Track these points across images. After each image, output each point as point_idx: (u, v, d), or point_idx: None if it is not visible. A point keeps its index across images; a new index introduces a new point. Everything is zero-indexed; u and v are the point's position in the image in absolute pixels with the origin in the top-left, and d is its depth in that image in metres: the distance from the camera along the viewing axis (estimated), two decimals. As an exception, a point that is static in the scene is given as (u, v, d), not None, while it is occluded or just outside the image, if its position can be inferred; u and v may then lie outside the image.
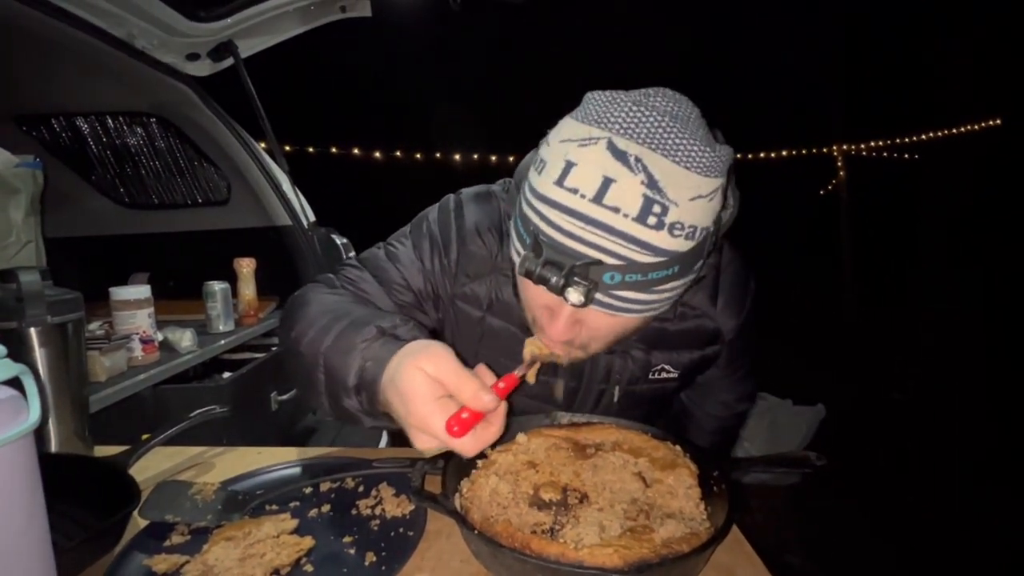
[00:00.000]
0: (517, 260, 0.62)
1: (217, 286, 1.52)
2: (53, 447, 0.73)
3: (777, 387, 2.96)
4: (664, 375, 0.80)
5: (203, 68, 1.73)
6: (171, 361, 1.26)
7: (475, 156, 7.76)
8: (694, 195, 0.53)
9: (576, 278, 0.53)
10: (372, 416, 0.59)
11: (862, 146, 7.72)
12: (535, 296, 0.62)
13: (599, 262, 0.53)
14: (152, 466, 0.75)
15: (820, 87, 6.38)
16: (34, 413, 0.38)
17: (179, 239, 2.04)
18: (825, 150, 7.32)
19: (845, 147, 6.60)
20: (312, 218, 2.01)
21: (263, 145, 1.99)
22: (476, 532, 0.50)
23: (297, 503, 0.64)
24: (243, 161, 1.87)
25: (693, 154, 0.53)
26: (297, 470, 0.71)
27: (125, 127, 1.91)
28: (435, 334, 0.84)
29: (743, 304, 0.82)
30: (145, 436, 0.75)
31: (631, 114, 0.54)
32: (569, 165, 0.54)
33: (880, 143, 7.93)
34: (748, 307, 0.83)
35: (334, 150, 7.64)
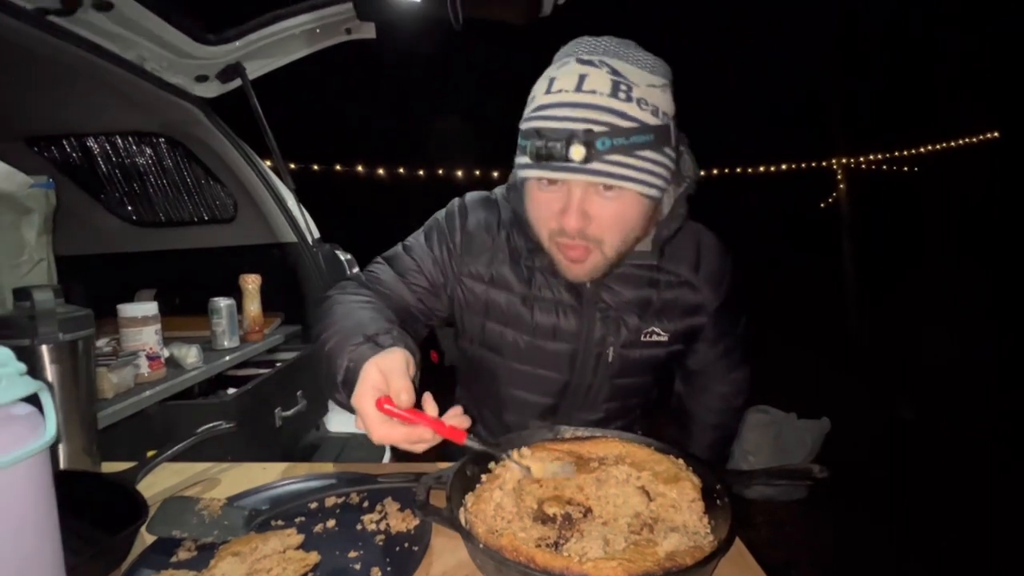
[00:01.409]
0: (524, 172, 0.73)
1: (222, 302, 1.54)
2: (62, 463, 0.74)
3: (781, 400, 2.94)
4: (655, 338, 0.88)
5: (211, 89, 1.77)
6: (177, 378, 1.27)
7: (477, 172, 7.84)
8: (648, 83, 0.69)
9: (575, 140, 0.66)
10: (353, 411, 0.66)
11: (861, 159, 7.77)
12: (545, 204, 0.74)
13: (590, 130, 0.66)
14: (159, 482, 0.76)
15: (819, 101, 6.44)
16: (51, 429, 0.39)
17: (186, 256, 2.06)
18: (825, 164, 7.37)
19: (845, 160, 6.64)
20: (316, 234, 2.03)
21: (269, 163, 2.02)
22: (481, 546, 0.50)
23: (303, 518, 0.64)
24: (249, 179, 1.89)
25: (639, 59, 0.71)
26: (302, 485, 0.72)
27: (134, 146, 1.94)
28: (448, 324, 0.96)
29: (722, 276, 0.91)
30: (151, 452, 0.75)
31: (590, 42, 0.72)
32: (551, 79, 0.70)
33: (880, 156, 7.99)
34: (729, 282, 0.92)
35: (338, 167, 7.73)
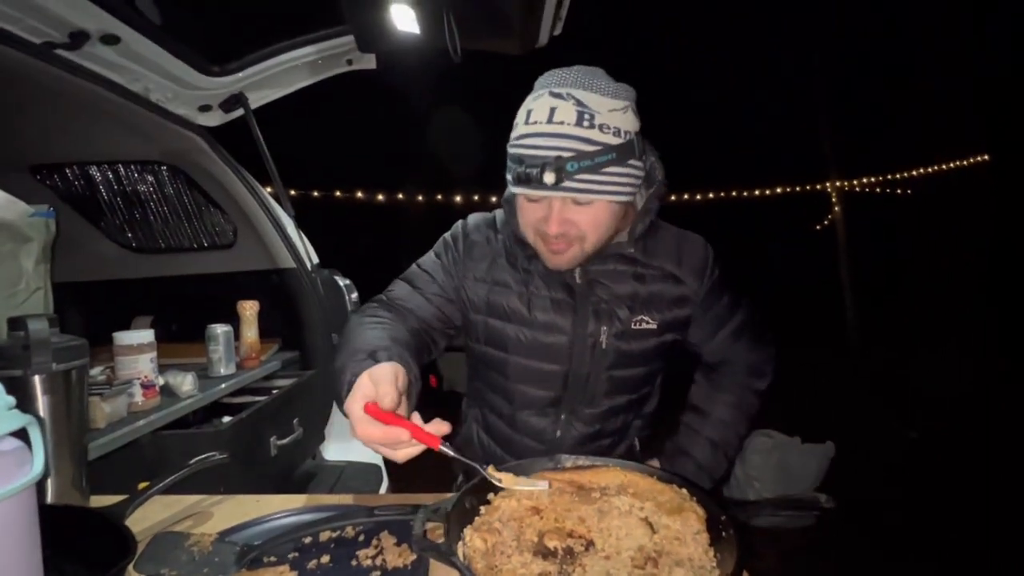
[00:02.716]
0: (511, 189, 0.87)
1: (219, 329, 1.53)
2: (50, 497, 0.72)
3: (784, 424, 2.91)
4: (644, 326, 0.95)
5: (214, 118, 1.80)
6: (171, 406, 1.25)
7: (475, 197, 7.92)
8: (609, 108, 0.80)
9: (548, 168, 0.78)
10: None
11: (855, 182, 7.87)
12: (531, 213, 0.86)
13: (559, 157, 0.78)
14: (149, 516, 0.74)
15: (813, 125, 6.56)
16: (38, 465, 0.38)
17: (184, 282, 2.06)
18: (819, 187, 7.46)
19: (839, 183, 6.72)
20: (316, 260, 2.04)
21: (269, 189, 2.04)
22: (480, 583, 0.49)
23: (296, 554, 0.63)
24: (249, 206, 1.91)
25: (602, 88, 0.81)
26: (296, 519, 0.70)
27: (136, 174, 1.96)
28: (454, 348, 1.04)
29: (704, 266, 0.98)
30: (142, 485, 0.74)
31: (560, 75, 0.83)
32: (529, 111, 0.82)
33: (874, 179, 8.09)
34: (712, 271, 0.99)
35: (338, 193, 7.81)
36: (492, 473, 0.65)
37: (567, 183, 0.79)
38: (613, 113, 0.80)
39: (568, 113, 0.78)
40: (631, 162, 0.82)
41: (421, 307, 0.96)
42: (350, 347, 0.78)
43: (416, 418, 0.66)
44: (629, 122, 0.82)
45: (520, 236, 0.93)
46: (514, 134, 0.84)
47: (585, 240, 0.85)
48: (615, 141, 0.80)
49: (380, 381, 0.65)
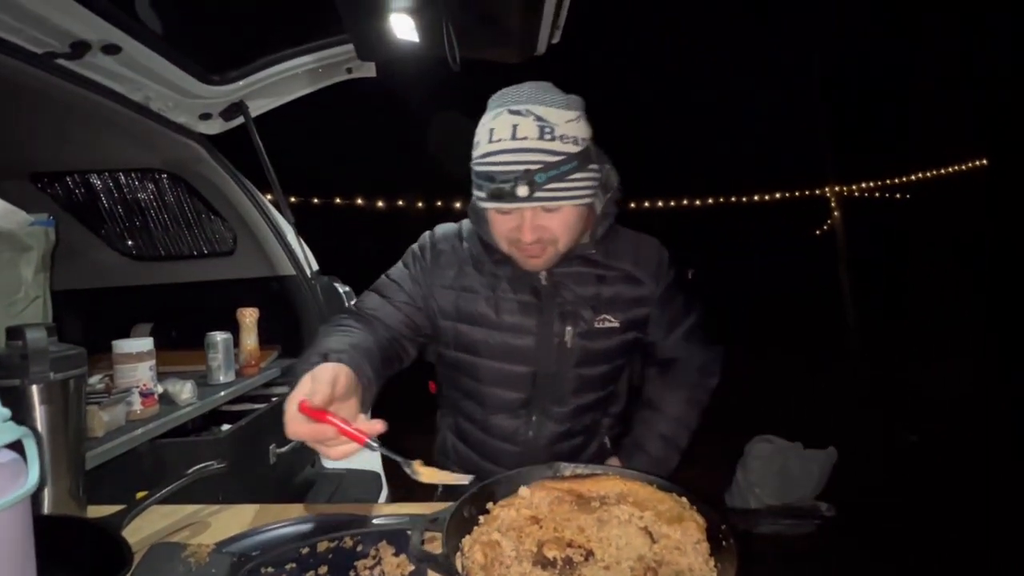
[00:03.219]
0: (483, 204, 0.91)
1: (219, 336, 1.53)
2: (46, 508, 0.71)
3: (785, 430, 2.90)
4: (607, 324, 0.99)
5: (214, 127, 1.81)
6: (170, 414, 1.25)
7: (476, 203, 7.91)
8: (566, 120, 0.85)
9: (520, 181, 0.83)
10: None
11: (854, 187, 7.88)
12: (503, 223, 0.90)
13: (528, 170, 0.83)
14: (146, 526, 0.73)
15: (811, 131, 6.58)
16: (32, 477, 0.38)
17: (184, 290, 2.06)
18: (818, 192, 7.46)
19: (838, 189, 6.73)
20: (315, 267, 2.04)
21: (269, 196, 2.04)
22: (478, 595, 0.48)
23: (293, 564, 0.62)
24: (249, 213, 1.91)
25: (556, 101, 0.86)
26: (294, 529, 0.70)
27: (137, 182, 1.96)
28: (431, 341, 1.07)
29: (660, 267, 1.03)
30: (140, 494, 0.73)
31: (515, 92, 0.88)
32: (491, 129, 0.86)
33: (872, 184, 8.10)
34: (667, 272, 1.04)
35: (338, 200, 7.82)
36: (416, 469, 0.67)
37: (538, 193, 0.84)
38: (570, 124, 0.86)
39: (530, 128, 0.83)
40: (590, 166, 0.89)
41: (390, 316, 0.99)
42: (309, 352, 0.82)
43: (362, 419, 0.68)
44: (583, 130, 0.88)
45: (489, 243, 0.97)
46: (478, 152, 0.88)
47: (558, 242, 0.90)
48: (575, 149, 0.86)
49: (317, 380, 0.67)
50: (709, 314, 1.12)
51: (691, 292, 1.09)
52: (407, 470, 0.67)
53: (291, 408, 0.66)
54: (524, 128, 0.83)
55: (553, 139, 0.84)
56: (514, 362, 0.99)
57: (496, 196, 0.85)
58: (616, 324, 0.99)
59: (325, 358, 0.75)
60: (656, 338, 1.06)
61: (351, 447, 0.66)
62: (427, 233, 1.08)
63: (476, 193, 0.91)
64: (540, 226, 0.88)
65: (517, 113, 0.85)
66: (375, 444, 0.65)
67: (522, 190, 0.83)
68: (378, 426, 0.67)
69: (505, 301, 0.98)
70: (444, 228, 1.08)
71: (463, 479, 0.68)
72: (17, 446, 0.41)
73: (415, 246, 1.07)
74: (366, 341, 0.88)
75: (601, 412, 1.09)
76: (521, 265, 0.94)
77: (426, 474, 0.67)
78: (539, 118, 0.84)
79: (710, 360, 1.12)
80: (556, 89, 0.89)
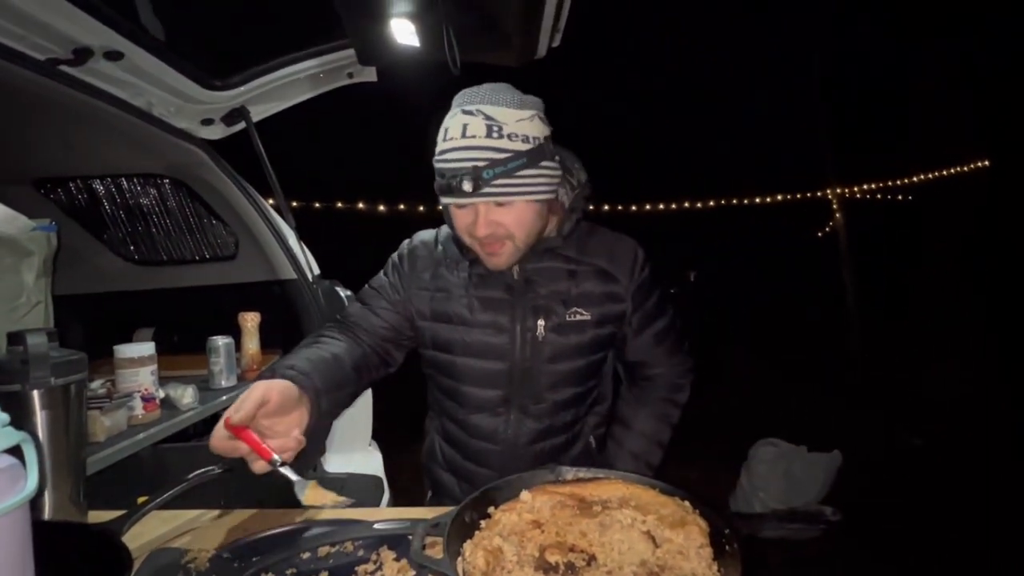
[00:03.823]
0: (441, 200, 0.93)
1: (220, 341, 1.53)
2: (46, 514, 0.71)
3: (789, 433, 2.88)
4: (579, 317, 1.00)
5: (216, 132, 1.81)
6: (171, 419, 1.25)
7: (477, 206, 7.91)
8: (516, 119, 0.88)
9: (466, 177, 0.86)
10: None
11: (855, 189, 7.87)
12: (460, 219, 0.93)
13: (475, 167, 0.86)
14: (147, 531, 0.73)
15: (813, 132, 6.58)
16: (31, 482, 0.37)
17: (186, 294, 2.07)
18: (820, 194, 7.45)
19: (839, 190, 6.72)
20: (317, 271, 2.04)
21: (271, 201, 2.05)
22: (479, 600, 0.48)
23: (294, 570, 0.62)
24: (251, 218, 1.92)
25: (508, 100, 0.89)
26: (295, 534, 0.69)
27: (139, 187, 1.97)
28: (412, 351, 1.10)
29: (634, 264, 1.04)
30: (141, 499, 0.73)
31: (471, 93, 0.91)
32: (445, 128, 0.90)
33: (874, 186, 8.09)
34: (642, 270, 1.04)
35: (339, 204, 7.84)
36: (307, 492, 0.71)
37: (485, 189, 0.86)
38: (520, 123, 0.88)
39: (479, 127, 0.87)
40: (544, 163, 0.90)
41: (371, 323, 1.04)
42: (271, 364, 0.88)
43: (295, 434, 0.73)
44: (537, 129, 0.90)
45: (463, 245, 1.00)
46: (436, 151, 0.91)
47: (514, 238, 0.92)
48: (524, 147, 0.88)
49: (244, 398, 0.71)
50: (683, 322, 1.13)
51: (666, 296, 1.10)
52: (298, 492, 0.70)
53: (219, 424, 0.71)
54: (473, 127, 0.87)
55: (501, 137, 0.86)
56: (489, 359, 1.00)
57: (446, 191, 0.89)
58: (588, 317, 1.00)
59: (273, 373, 0.81)
60: (627, 334, 1.07)
61: (257, 459, 0.70)
62: (406, 241, 1.12)
63: (437, 190, 0.95)
64: (493, 221, 0.90)
65: (469, 113, 0.88)
66: (278, 460, 0.69)
67: (468, 185, 0.85)
68: (290, 443, 0.72)
69: (479, 299, 1.00)
70: (422, 234, 1.12)
71: (346, 502, 0.72)
72: (16, 451, 0.41)
73: (395, 254, 1.11)
74: (336, 353, 0.93)
75: (583, 410, 1.09)
76: (487, 264, 0.96)
77: (310, 496, 0.70)
78: (488, 117, 0.87)
79: (679, 373, 1.12)
80: (513, 90, 0.92)
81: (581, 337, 1.01)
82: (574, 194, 1.02)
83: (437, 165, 0.91)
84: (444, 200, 0.93)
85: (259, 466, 0.70)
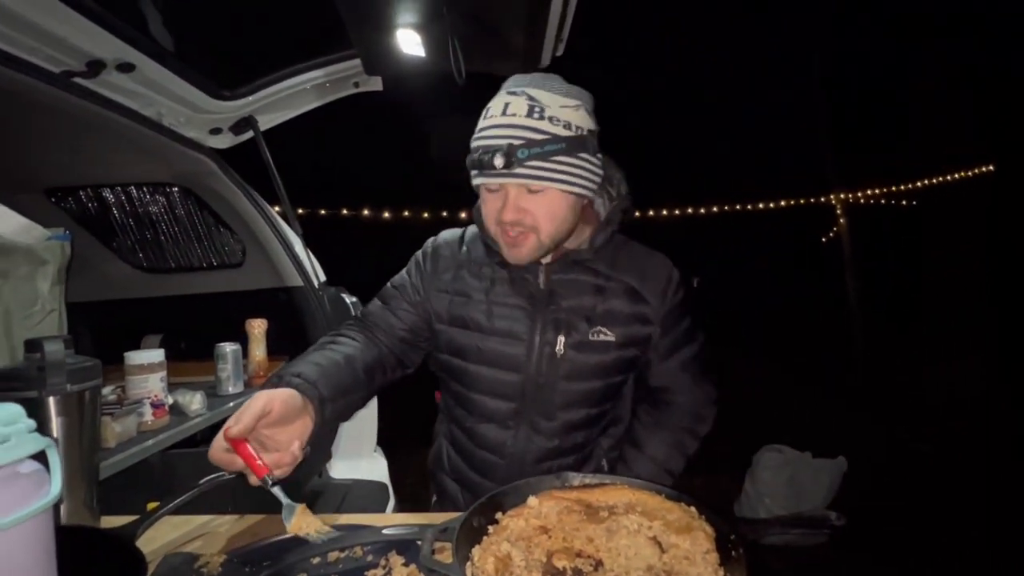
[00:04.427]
0: (473, 180, 0.91)
1: (228, 348, 1.54)
2: (62, 518, 0.72)
3: (794, 439, 2.87)
4: (602, 337, 0.95)
5: (224, 141, 1.84)
6: (180, 425, 1.26)
7: (481, 213, 7.94)
8: (560, 104, 0.85)
9: (499, 153, 0.82)
10: None
11: (859, 194, 7.86)
12: (490, 203, 0.90)
13: (510, 145, 0.82)
14: (159, 536, 0.74)
15: (817, 138, 6.59)
16: (55, 487, 0.39)
17: (193, 301, 2.09)
18: (824, 199, 7.45)
19: (844, 195, 6.72)
20: (323, 278, 2.06)
21: (277, 208, 2.07)
22: (488, 604, 0.48)
23: (304, 574, 0.63)
24: (258, 225, 1.94)
25: (555, 88, 0.87)
26: (304, 539, 0.70)
27: (148, 196, 2.00)
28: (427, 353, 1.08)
29: (667, 286, 0.99)
30: (151, 505, 0.74)
31: (519, 78, 0.89)
32: (488, 109, 0.88)
33: (878, 191, 8.09)
34: (675, 293, 1.00)
35: (345, 211, 7.89)
36: (295, 517, 0.68)
37: (518, 169, 0.83)
38: (564, 109, 0.85)
39: (520, 107, 0.84)
40: (583, 155, 0.87)
41: (390, 323, 1.01)
42: (279, 369, 0.86)
43: (296, 446, 0.72)
44: (581, 119, 0.87)
45: (487, 234, 0.96)
46: (476, 129, 0.89)
47: (540, 231, 0.88)
48: (564, 133, 0.84)
49: (245, 409, 0.70)
50: (706, 348, 1.06)
51: (697, 322, 1.04)
52: (285, 516, 0.69)
53: (219, 434, 0.70)
54: (514, 106, 0.85)
55: (541, 119, 0.84)
56: (503, 369, 0.96)
57: (477, 166, 0.86)
58: (612, 338, 0.95)
59: (280, 380, 0.80)
60: (652, 359, 1.01)
61: (250, 473, 0.69)
62: (430, 239, 1.09)
63: (471, 171, 0.91)
64: (521, 208, 0.86)
65: (513, 94, 0.86)
66: (270, 480, 0.68)
67: (499, 160, 0.82)
68: (287, 457, 0.70)
69: (498, 306, 0.96)
70: (447, 233, 1.09)
71: (331, 534, 0.69)
72: (39, 457, 0.42)
73: (418, 252, 1.08)
74: (349, 354, 0.91)
75: (596, 432, 1.04)
76: (506, 256, 0.92)
77: (296, 524, 0.68)
78: (531, 98, 0.85)
79: (703, 403, 1.06)
80: (563, 80, 0.90)
81: (603, 358, 0.96)
82: (612, 205, 0.97)
83: (473, 143, 0.88)
84: (475, 180, 0.90)
85: (253, 480, 0.69)
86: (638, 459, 1.04)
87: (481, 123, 0.88)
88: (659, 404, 1.07)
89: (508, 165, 0.82)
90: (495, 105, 0.87)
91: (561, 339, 0.94)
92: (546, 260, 0.96)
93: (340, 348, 0.93)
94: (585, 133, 0.87)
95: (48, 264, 0.99)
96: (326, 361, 0.87)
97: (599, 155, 0.90)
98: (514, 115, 0.84)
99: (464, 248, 1.03)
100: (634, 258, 1.00)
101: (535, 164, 0.83)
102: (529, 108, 0.84)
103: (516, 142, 0.83)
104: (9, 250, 0.93)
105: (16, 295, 0.94)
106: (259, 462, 0.68)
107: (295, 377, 0.80)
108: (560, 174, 0.85)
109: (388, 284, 1.07)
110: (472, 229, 1.05)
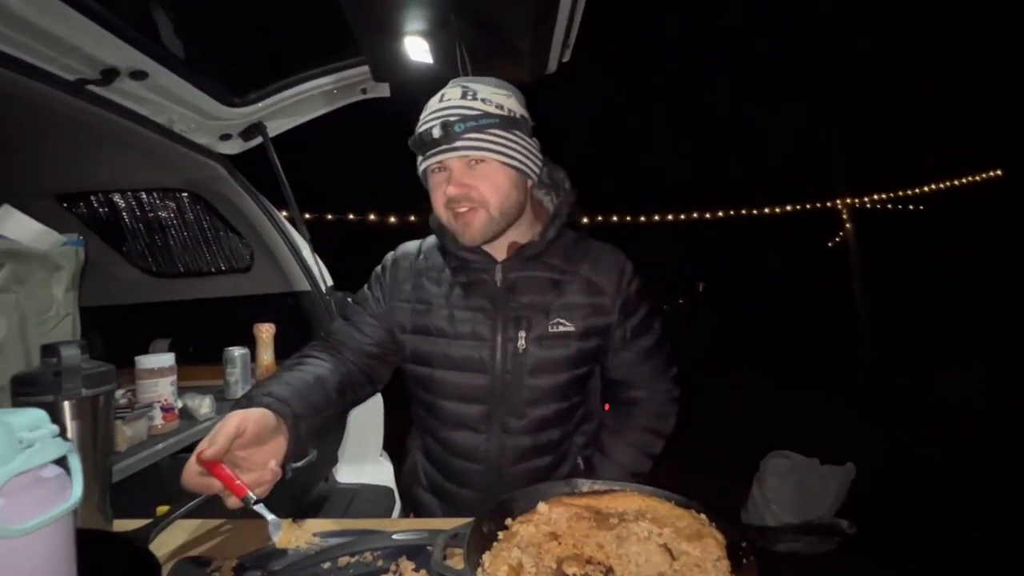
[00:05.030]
0: (419, 165, 0.96)
1: (236, 352, 1.55)
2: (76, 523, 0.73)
3: (801, 445, 2.85)
4: (562, 328, 0.97)
5: (233, 147, 1.86)
6: (189, 429, 1.27)
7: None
8: (492, 90, 0.92)
9: (435, 126, 0.88)
10: None
11: (866, 199, 7.83)
12: (436, 184, 0.94)
13: (446, 121, 0.88)
14: (170, 540, 0.75)
15: (823, 142, 6.57)
16: (77, 490, 0.39)
17: (202, 305, 2.10)
18: (830, 204, 7.43)
19: (850, 200, 6.70)
20: (330, 283, 2.07)
21: (285, 213, 2.08)
22: (500, 611, 0.49)
23: (316, 579, 0.63)
24: (266, 230, 1.95)
25: (488, 80, 0.94)
26: (316, 544, 0.70)
27: (158, 201, 2.02)
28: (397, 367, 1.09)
29: (621, 275, 1.01)
30: (161, 509, 0.75)
31: (460, 78, 0.96)
32: (427, 105, 0.94)
33: (885, 196, 8.05)
34: (629, 281, 1.02)
35: (351, 216, 7.93)
36: (282, 532, 0.70)
37: (456, 143, 0.88)
38: (496, 94, 0.92)
39: (454, 92, 0.91)
40: (516, 132, 0.92)
41: (355, 340, 1.02)
42: (249, 390, 0.86)
43: (272, 465, 0.72)
44: (513, 105, 0.93)
45: (448, 250, 1.00)
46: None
47: (488, 204, 0.91)
48: (497, 111, 0.90)
49: (219, 431, 0.70)
50: (667, 340, 1.07)
51: (654, 313, 1.06)
52: (272, 532, 0.69)
53: (191, 458, 0.69)
54: (449, 94, 0.92)
55: (474, 99, 0.90)
56: (470, 372, 0.97)
57: (417, 146, 0.91)
58: (572, 328, 0.97)
59: (250, 401, 0.79)
60: (611, 348, 1.02)
61: (229, 495, 0.68)
62: (390, 253, 1.11)
63: (411, 147, 0.96)
64: (465, 183, 0.90)
65: (448, 88, 0.94)
66: (251, 498, 0.68)
67: (437, 132, 0.87)
68: (266, 475, 0.70)
69: (460, 310, 0.97)
70: (404, 246, 1.11)
71: (322, 544, 0.70)
72: (60, 461, 0.42)
73: (377, 267, 1.10)
74: (319, 374, 0.91)
75: (569, 428, 1.04)
76: (460, 239, 0.95)
77: (284, 538, 0.69)
78: (464, 86, 0.92)
79: (663, 400, 1.07)
80: (501, 81, 0.97)
81: (565, 350, 0.97)
82: (559, 200, 1.02)
83: (415, 132, 0.93)
84: (420, 166, 0.95)
85: (232, 502, 0.68)
86: (604, 464, 1.04)
87: (422, 116, 0.93)
88: (620, 404, 1.09)
89: (446, 138, 0.87)
90: (433, 98, 0.94)
91: (522, 334, 0.96)
92: (501, 258, 0.99)
93: (309, 368, 0.93)
94: (518, 116, 0.93)
95: (63, 270, 1.00)
96: (296, 380, 0.87)
97: (535, 140, 0.96)
98: (449, 100, 0.90)
99: (421, 256, 1.06)
100: (588, 252, 1.03)
101: (472, 136, 0.88)
102: (463, 92, 0.91)
103: (452, 118, 0.88)
104: (26, 256, 0.95)
105: (32, 301, 0.95)
106: (238, 482, 0.67)
107: (266, 396, 0.80)
108: (497, 145, 0.90)
109: (353, 302, 1.09)
110: (430, 239, 1.08)
